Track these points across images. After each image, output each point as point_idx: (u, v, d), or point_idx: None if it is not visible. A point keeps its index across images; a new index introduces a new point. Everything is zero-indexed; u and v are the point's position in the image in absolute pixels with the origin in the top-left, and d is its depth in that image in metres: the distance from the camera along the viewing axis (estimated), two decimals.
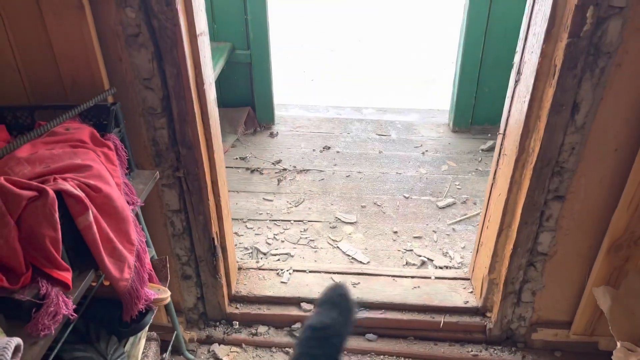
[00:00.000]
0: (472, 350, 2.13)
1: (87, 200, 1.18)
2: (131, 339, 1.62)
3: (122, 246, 1.31)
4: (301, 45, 6.01)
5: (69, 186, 1.14)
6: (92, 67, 1.51)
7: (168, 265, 1.72)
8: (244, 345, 2.15)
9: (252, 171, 3.31)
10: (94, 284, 1.38)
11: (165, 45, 1.55)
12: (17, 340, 0.95)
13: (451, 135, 3.74)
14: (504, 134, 1.93)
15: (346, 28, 6.49)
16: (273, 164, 3.37)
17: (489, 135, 3.62)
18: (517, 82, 1.78)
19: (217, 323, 2.24)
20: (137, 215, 1.53)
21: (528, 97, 1.66)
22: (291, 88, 4.92)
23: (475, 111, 3.64)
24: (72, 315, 1.11)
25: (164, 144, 1.74)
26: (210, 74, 1.78)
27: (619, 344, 1.70)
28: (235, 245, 2.61)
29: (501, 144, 1.95)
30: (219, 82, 3.48)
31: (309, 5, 7.21)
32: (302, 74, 5.31)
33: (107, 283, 1.37)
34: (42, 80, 1.52)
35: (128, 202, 1.39)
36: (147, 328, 1.60)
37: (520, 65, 1.75)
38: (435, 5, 7.08)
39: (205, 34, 1.70)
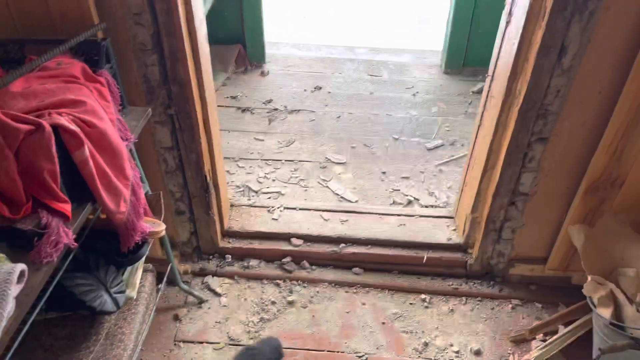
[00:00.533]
0: (452, 284, 2.25)
1: (82, 135, 1.21)
2: (129, 268, 1.70)
3: (118, 180, 1.35)
4: None
5: (64, 121, 1.17)
6: (81, 2, 1.49)
7: (162, 201, 1.78)
8: (236, 277, 2.26)
9: (243, 110, 3.32)
10: (91, 216, 1.44)
11: None
12: (21, 266, 1.01)
13: (443, 76, 3.74)
14: (492, 76, 1.95)
15: None
16: (264, 103, 3.38)
17: (480, 77, 3.62)
18: (507, 23, 1.79)
19: (211, 257, 2.33)
20: (130, 151, 1.56)
21: (518, 38, 1.68)
22: (283, 25, 4.82)
23: (468, 53, 3.63)
24: (72, 244, 1.17)
25: (155, 81, 1.75)
26: (200, 9, 1.77)
27: (589, 277, 1.81)
28: (227, 183, 2.67)
29: (489, 86, 1.98)
30: (210, 18, 3.39)
31: None
32: (293, 11, 5.19)
33: (104, 216, 1.42)
34: (31, 14, 1.51)
35: (122, 138, 1.42)
36: (143, 259, 1.68)
37: (511, 6, 1.75)
38: None
39: None
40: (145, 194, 1.75)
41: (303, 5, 5.29)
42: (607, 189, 1.86)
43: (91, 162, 1.24)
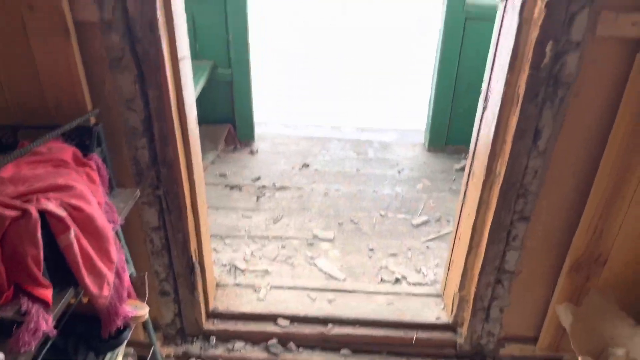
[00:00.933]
0: None
1: (69, 220, 1.22)
2: (109, 354, 1.65)
3: (102, 264, 1.35)
4: (283, 62, 6.10)
5: (51, 206, 1.18)
6: (76, 90, 1.55)
7: (147, 282, 1.76)
8: None
9: (232, 188, 3.36)
10: (73, 300, 1.41)
11: (148, 69, 1.61)
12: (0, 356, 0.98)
13: (426, 154, 3.84)
14: (473, 157, 2.02)
15: (328, 46, 6.62)
16: (252, 180, 3.42)
17: (463, 155, 3.73)
18: (484, 108, 1.88)
19: (195, 339, 2.26)
20: (117, 232, 1.57)
21: (494, 122, 1.76)
22: (272, 104, 5.00)
23: (450, 132, 3.76)
24: (52, 332, 1.14)
25: (144, 163, 1.78)
26: (191, 95, 1.84)
27: (580, 358, 1.79)
28: (214, 261, 2.64)
29: (470, 166, 2.04)
30: (200, 99, 3.53)
31: (291, 21, 7.34)
32: (283, 91, 5.39)
33: (86, 300, 1.40)
34: (27, 101, 1.56)
35: (109, 221, 1.43)
36: (124, 344, 1.63)
37: (487, 92, 1.85)
38: (415, 26, 7.26)
39: (187, 58, 1.76)
40: (130, 276, 1.73)
41: (291, 86, 5.50)
42: (591, 266, 1.88)
43: (76, 246, 1.24)
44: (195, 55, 3.37)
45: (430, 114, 3.73)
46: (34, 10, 1.41)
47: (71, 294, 1.28)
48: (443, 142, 3.81)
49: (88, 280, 1.30)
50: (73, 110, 1.57)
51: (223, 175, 3.46)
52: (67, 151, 1.43)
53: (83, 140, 1.53)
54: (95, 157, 1.48)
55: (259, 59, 5.95)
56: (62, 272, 1.25)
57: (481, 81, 1.95)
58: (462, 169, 3.58)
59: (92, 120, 1.59)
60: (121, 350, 1.69)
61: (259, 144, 3.87)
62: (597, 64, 1.54)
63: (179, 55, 1.68)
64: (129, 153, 1.76)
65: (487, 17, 3.15)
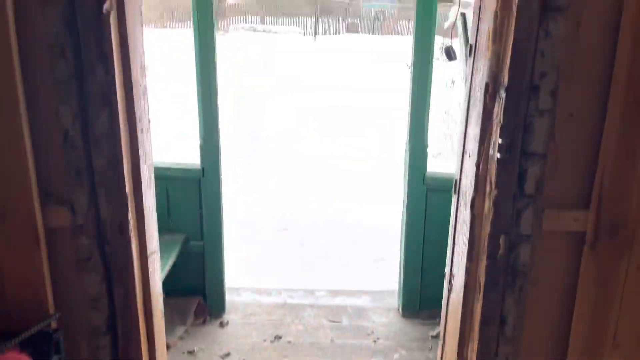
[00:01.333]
0: None
1: None
2: None
3: None
4: (254, 224, 6.22)
5: None
6: (39, 292, 1.54)
7: None
8: None
9: None
10: None
11: (115, 268, 1.63)
12: None
13: (401, 320, 3.78)
14: (444, 339, 2.01)
15: (298, 207, 6.84)
16: (221, 357, 3.27)
17: (437, 319, 3.68)
18: (449, 291, 1.92)
19: None
20: None
21: (460, 309, 1.78)
22: (245, 270, 4.98)
23: (422, 295, 3.75)
24: None
25: None
26: (158, 287, 1.84)
27: None
28: None
29: (442, 349, 2.02)
30: (170, 272, 3.51)
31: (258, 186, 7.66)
32: (255, 255, 5.42)
33: None
34: None
35: None
36: None
37: (450, 276, 1.91)
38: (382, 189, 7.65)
39: (155, 253, 1.80)
40: None
41: (264, 249, 5.55)
42: None
43: None
44: (167, 229, 3.43)
45: (402, 278, 3.76)
46: (6, 220, 1.46)
47: None
48: (417, 306, 3.78)
49: None
50: (35, 314, 1.54)
51: (191, 352, 3.30)
52: None
53: (41, 346, 1.48)
54: None
55: (232, 224, 6.10)
56: None
57: (447, 249, 2.01)
58: (437, 335, 3.51)
59: (54, 325, 1.55)
60: None
61: (229, 315, 3.76)
62: (549, 254, 1.63)
63: (148, 251, 1.72)
64: (89, 353, 1.69)
65: (447, 188, 3.35)
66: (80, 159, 1.53)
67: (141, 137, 1.65)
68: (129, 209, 1.59)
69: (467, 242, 1.70)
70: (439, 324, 3.63)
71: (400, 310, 3.84)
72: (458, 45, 3.64)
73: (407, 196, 3.50)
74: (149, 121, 1.74)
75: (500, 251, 1.62)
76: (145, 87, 1.70)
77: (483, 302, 1.68)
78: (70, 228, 1.56)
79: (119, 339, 1.69)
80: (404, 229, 3.64)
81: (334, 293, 4.28)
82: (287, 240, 5.84)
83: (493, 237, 1.62)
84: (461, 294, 1.76)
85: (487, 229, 1.63)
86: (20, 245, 1.46)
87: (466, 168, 1.72)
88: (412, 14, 3.20)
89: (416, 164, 3.46)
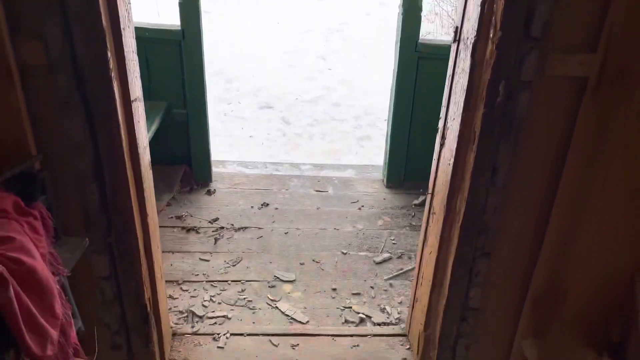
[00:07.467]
0: None
1: (7, 275, 1.12)
2: None
3: (46, 321, 1.25)
4: (239, 102, 6.08)
5: None
6: (19, 134, 1.47)
7: (96, 337, 1.64)
8: None
9: (188, 230, 3.25)
10: None
11: (98, 112, 1.54)
12: None
13: (385, 190, 3.86)
14: (432, 194, 2.03)
15: (286, 84, 6.66)
16: (210, 222, 3.33)
17: (421, 190, 3.76)
18: (442, 145, 1.90)
19: None
20: (63, 285, 1.46)
21: (452, 160, 1.77)
22: (230, 144, 4.94)
23: (407, 168, 3.80)
24: None
25: (94, 209, 1.69)
26: (144, 138, 1.78)
27: None
28: (170, 309, 2.52)
29: (430, 204, 2.05)
30: (155, 140, 3.44)
31: (247, 58, 7.36)
32: (240, 130, 5.36)
33: None
34: None
35: (53, 273, 1.34)
36: None
37: (444, 130, 1.87)
38: (371, 66, 7.43)
39: (139, 100, 1.71)
40: (78, 331, 1.61)
41: (249, 125, 5.48)
42: (553, 300, 1.89)
43: (15, 304, 1.14)
44: (148, 97, 3.30)
45: (388, 150, 3.77)
46: None
47: (10, 356, 1.17)
48: (401, 178, 3.84)
49: (30, 341, 1.19)
50: (16, 156, 1.48)
51: (179, 218, 3.35)
52: (8, 200, 1.33)
53: (26, 187, 1.44)
54: (39, 205, 1.39)
55: (216, 93, 5.93)
56: (1, 331, 1.15)
57: (435, 119, 1.98)
58: (421, 204, 3.60)
59: (37, 166, 1.50)
60: None
61: (216, 184, 3.79)
62: (548, 101, 1.59)
63: (132, 97, 1.63)
64: (77, 200, 1.66)
65: (439, 56, 3.23)
66: None
67: None
68: (107, 46, 1.47)
69: (464, 90, 1.64)
70: (422, 194, 3.72)
71: (385, 181, 3.90)
72: None
73: (398, 64, 3.39)
74: None
75: (499, 98, 1.57)
76: None
77: (477, 152, 1.66)
78: (45, 66, 1.45)
79: (107, 187, 1.66)
80: (392, 101, 3.57)
81: (320, 167, 4.31)
82: (272, 118, 5.76)
83: (493, 84, 1.56)
84: (454, 145, 1.74)
85: (487, 74, 1.56)
86: None
87: (469, 11, 1.61)
88: None
89: (408, 31, 3.30)
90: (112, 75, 1.50)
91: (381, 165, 4.07)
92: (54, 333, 1.27)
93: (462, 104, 1.67)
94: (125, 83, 1.59)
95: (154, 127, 3.12)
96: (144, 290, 1.89)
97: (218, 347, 2.25)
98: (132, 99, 1.63)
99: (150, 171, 1.85)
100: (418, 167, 3.74)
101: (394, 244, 3.23)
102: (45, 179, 1.44)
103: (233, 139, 5.12)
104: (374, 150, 4.86)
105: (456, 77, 1.73)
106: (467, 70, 1.62)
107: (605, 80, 1.50)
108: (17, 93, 1.41)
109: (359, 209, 3.60)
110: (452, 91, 1.76)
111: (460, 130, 1.70)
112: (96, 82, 1.50)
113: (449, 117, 1.81)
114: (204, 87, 3.42)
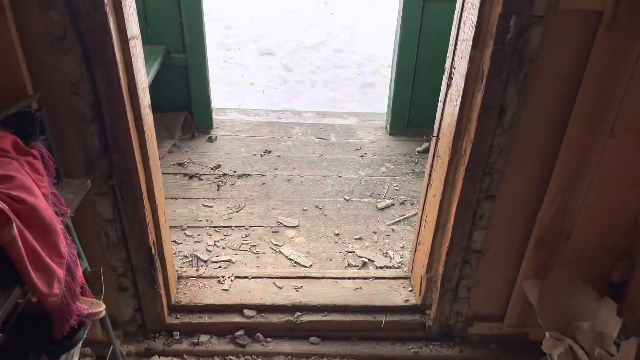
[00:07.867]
0: (412, 348, 2.18)
1: (10, 213, 1.11)
2: (63, 356, 1.54)
3: (51, 260, 1.25)
4: (238, 49, 5.95)
5: None
6: (14, 72, 1.43)
7: (102, 278, 1.65)
8: (185, 356, 2.10)
9: (191, 177, 3.24)
10: (20, 300, 1.31)
11: (94, 49, 1.50)
12: None
13: (388, 137, 3.82)
14: (437, 137, 2.00)
15: (286, 30, 6.49)
16: (212, 169, 3.32)
17: (424, 137, 3.73)
18: (448, 86, 1.85)
19: (157, 334, 2.17)
20: (67, 226, 1.46)
21: (459, 100, 1.73)
22: (230, 91, 4.86)
23: (411, 115, 3.74)
24: None
25: (95, 151, 1.67)
26: (143, 78, 1.73)
27: (547, 334, 1.80)
28: (174, 253, 2.54)
29: (435, 146, 2.02)
30: (154, 86, 3.37)
31: (246, 3, 7.15)
32: (241, 77, 5.26)
33: (35, 299, 1.29)
34: None
35: (57, 213, 1.33)
36: (80, 344, 1.53)
37: (451, 70, 1.82)
38: (374, 10, 7.22)
39: (137, 38, 1.65)
40: (84, 271, 1.63)
41: (250, 72, 5.37)
42: (556, 242, 1.89)
43: (19, 242, 1.13)
44: (146, 40, 3.21)
45: (392, 96, 3.70)
46: None
47: (17, 294, 1.18)
48: (404, 125, 3.79)
49: (35, 278, 1.20)
50: (12, 95, 1.44)
51: (181, 164, 3.34)
52: (7, 139, 1.31)
53: (24, 127, 1.41)
54: (39, 146, 1.37)
55: (216, 41, 5.79)
56: (6, 270, 1.15)
57: (441, 63, 1.92)
58: (424, 151, 3.58)
59: (35, 106, 1.47)
60: (76, 351, 1.59)
61: (217, 131, 3.75)
62: (560, 37, 1.53)
63: (129, 34, 1.57)
64: (77, 141, 1.64)
65: None
66: None
67: None
68: None
69: (474, 26, 1.57)
70: (426, 140, 3.69)
71: (388, 128, 3.86)
72: None
73: (403, 6, 3.27)
74: None
75: (510, 34, 1.51)
76: None
77: (485, 91, 1.62)
78: (37, 1, 1.39)
79: (107, 127, 1.63)
80: (396, 45, 3.47)
81: (322, 114, 4.25)
82: (272, 65, 5.64)
83: (503, 19, 1.49)
84: (461, 85, 1.69)
85: (497, 9, 1.49)
86: None
87: None
88: None
89: None
90: (107, 10, 1.44)
91: (384, 113, 4.02)
92: (60, 272, 1.28)
93: (470, 42, 1.61)
94: (122, 19, 1.53)
95: (153, 72, 3.05)
96: (149, 233, 1.90)
97: (223, 289, 2.29)
98: (129, 36, 1.57)
99: (151, 113, 1.82)
100: (421, 114, 3.69)
101: (396, 190, 3.22)
102: (43, 118, 1.41)
103: (233, 86, 5.02)
104: (377, 98, 4.78)
105: (465, 13, 1.66)
106: (477, 4, 1.55)
107: (621, 14, 1.44)
108: (10, 27, 1.36)
109: (362, 156, 3.57)
110: (461, 28, 1.69)
111: (468, 69, 1.65)
112: (90, 18, 1.44)
113: (456, 56, 1.75)
114: (202, 30, 3.32)
